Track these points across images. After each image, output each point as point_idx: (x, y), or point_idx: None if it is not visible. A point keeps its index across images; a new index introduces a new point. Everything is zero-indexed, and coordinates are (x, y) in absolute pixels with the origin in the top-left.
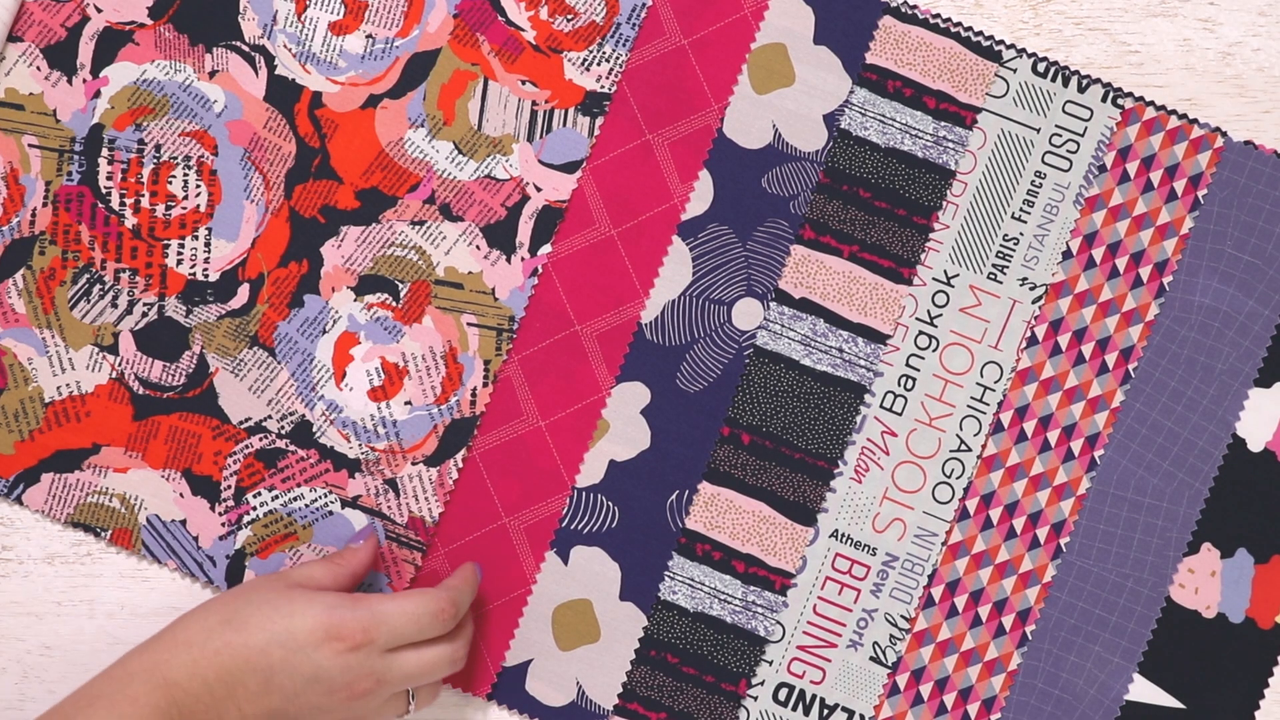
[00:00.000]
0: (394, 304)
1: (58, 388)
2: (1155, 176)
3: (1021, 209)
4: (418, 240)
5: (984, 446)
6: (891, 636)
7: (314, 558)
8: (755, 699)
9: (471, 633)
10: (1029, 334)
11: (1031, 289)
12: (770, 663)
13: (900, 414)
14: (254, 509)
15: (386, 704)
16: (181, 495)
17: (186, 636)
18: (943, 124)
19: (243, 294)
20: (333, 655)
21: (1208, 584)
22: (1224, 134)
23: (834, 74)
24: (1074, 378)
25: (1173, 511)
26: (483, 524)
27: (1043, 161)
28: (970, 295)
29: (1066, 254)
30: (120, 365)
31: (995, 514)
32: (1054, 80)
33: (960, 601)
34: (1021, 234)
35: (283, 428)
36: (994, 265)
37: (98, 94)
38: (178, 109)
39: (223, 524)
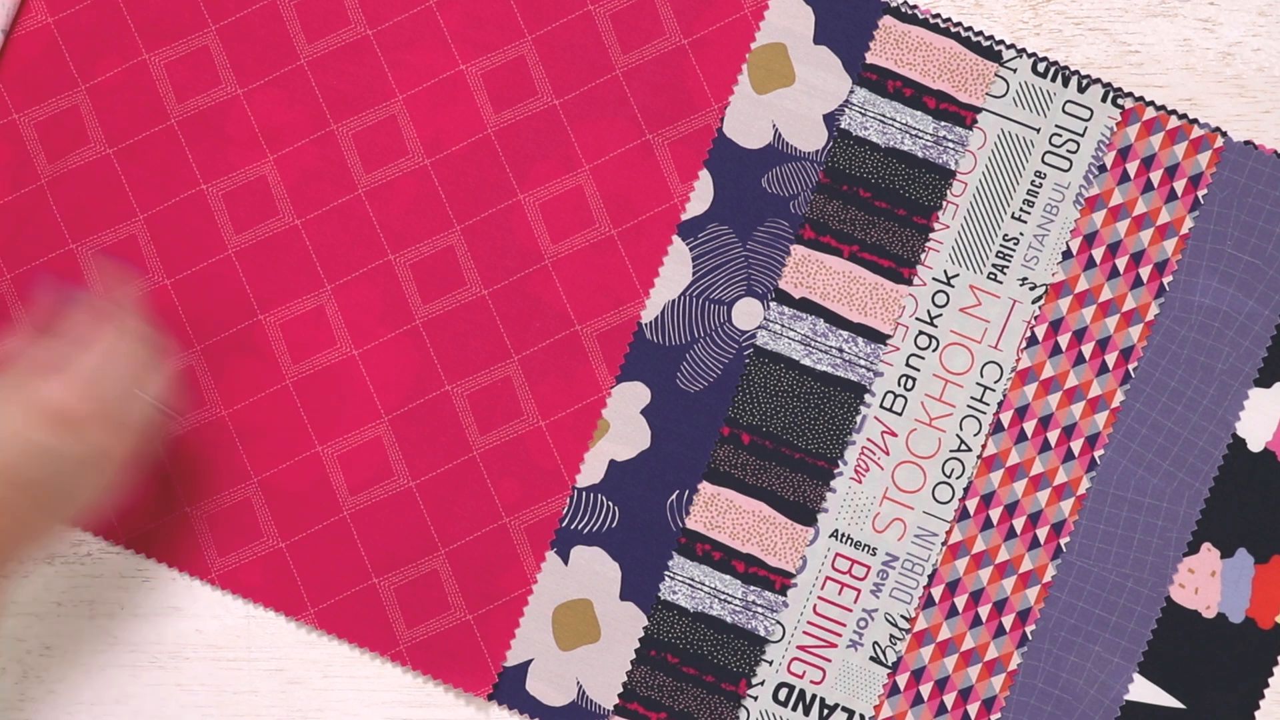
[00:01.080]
0: None
1: None
2: (1155, 176)
3: (1021, 209)
4: None
5: (984, 446)
6: (891, 636)
7: None
8: (755, 699)
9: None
10: (1029, 334)
11: (1031, 289)
12: (770, 662)
13: (900, 414)
14: None
15: (139, 429)
16: None
17: None
18: (943, 124)
19: None
20: (53, 433)
21: (1208, 584)
22: (1224, 134)
23: (834, 74)
24: (1074, 378)
25: (1173, 511)
26: (483, 524)
27: (1043, 161)
28: (970, 295)
29: (1066, 254)
30: None
31: (995, 514)
32: (1054, 80)
33: (960, 601)
34: (1021, 234)
35: None
36: (994, 265)
37: None
38: None
39: None
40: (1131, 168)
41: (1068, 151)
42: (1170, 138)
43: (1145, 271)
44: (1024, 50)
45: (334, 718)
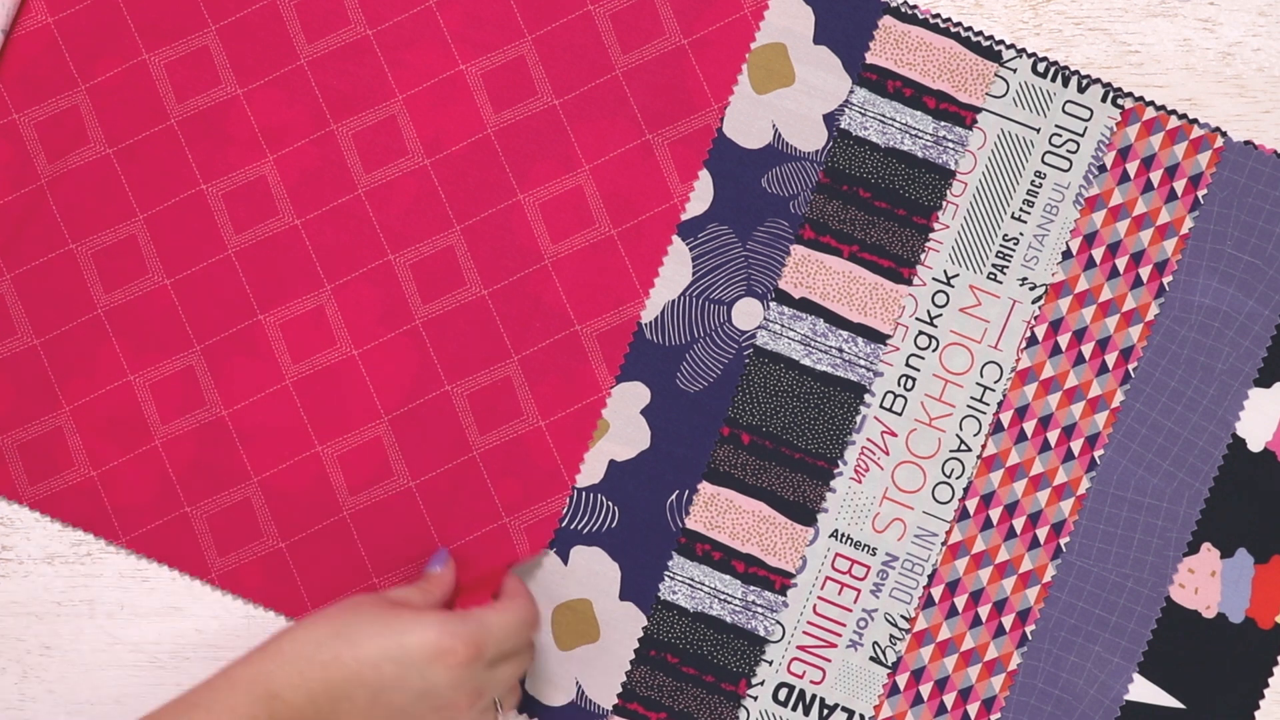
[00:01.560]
0: None
1: None
2: (1155, 176)
3: (1021, 209)
4: None
5: (984, 446)
6: (891, 636)
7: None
8: (755, 699)
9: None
10: (1029, 334)
11: (1031, 289)
12: (770, 662)
13: (900, 414)
14: None
15: (483, 714)
16: None
17: (294, 649)
18: (943, 124)
19: None
20: (444, 671)
21: (1208, 584)
22: (1224, 134)
23: (834, 74)
24: (1074, 378)
25: (1173, 511)
26: (483, 524)
27: (1043, 161)
28: (970, 295)
29: (1066, 254)
30: None
31: (995, 514)
32: (1054, 80)
33: (960, 601)
34: (1021, 234)
35: None
36: (994, 265)
37: None
38: None
39: None
40: (1131, 168)
41: (1068, 151)
42: (1170, 138)
43: (1145, 271)
44: (1024, 50)
45: None
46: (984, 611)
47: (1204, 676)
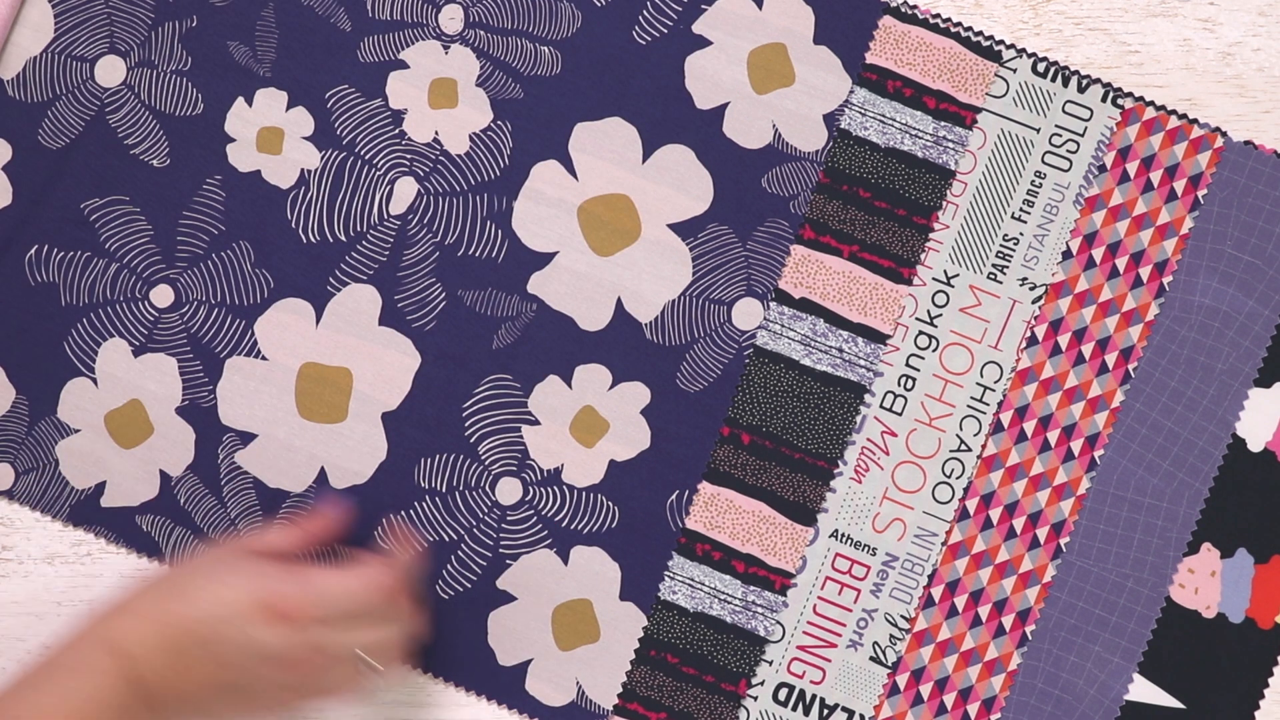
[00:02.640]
0: None
1: None
2: (1155, 176)
3: (1021, 209)
4: None
5: (984, 446)
6: (891, 636)
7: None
8: (755, 699)
9: (422, 612)
10: (1029, 334)
11: (1031, 289)
12: (770, 662)
13: (900, 414)
14: None
15: (342, 675)
16: None
17: (137, 605)
18: (943, 124)
19: None
20: (267, 628)
21: (1208, 584)
22: (1224, 134)
23: (834, 74)
24: (1074, 378)
25: (1173, 511)
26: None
27: (1043, 161)
28: (970, 295)
29: (1066, 254)
30: None
31: (995, 514)
32: (1054, 80)
33: (960, 601)
34: (1021, 234)
35: None
36: (994, 265)
37: None
38: None
39: None
40: (1131, 168)
41: (1068, 151)
42: (1170, 138)
43: (1145, 271)
44: (1024, 50)
45: (334, 718)
46: (984, 611)
47: (1204, 676)
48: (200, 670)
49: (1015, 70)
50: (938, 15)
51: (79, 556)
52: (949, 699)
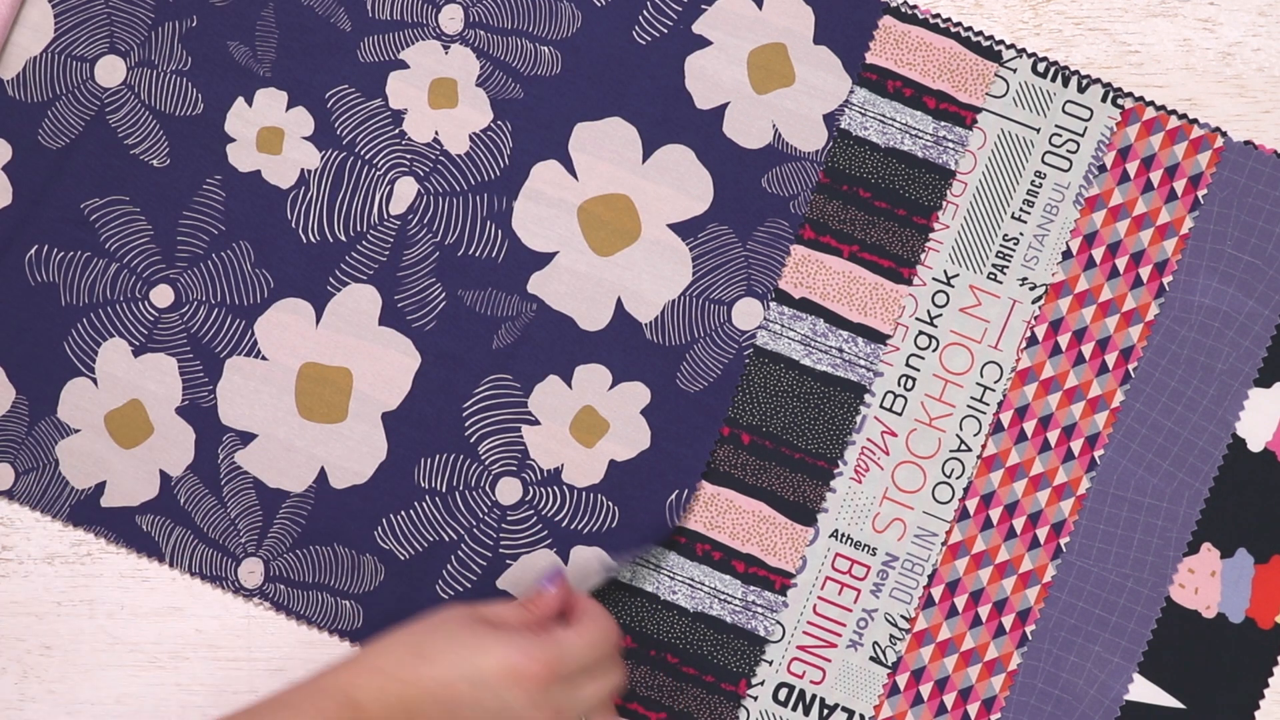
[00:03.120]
0: None
1: None
2: (1155, 176)
3: (1021, 209)
4: None
5: (984, 446)
6: (891, 636)
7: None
8: (755, 699)
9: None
10: (1029, 334)
11: (1031, 289)
12: (770, 662)
13: (900, 414)
14: None
15: None
16: None
17: (377, 662)
18: (943, 124)
19: None
20: (520, 692)
21: (1208, 584)
22: (1224, 134)
23: (834, 74)
24: (1074, 378)
25: (1173, 511)
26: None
27: (1043, 161)
28: (970, 295)
29: (1066, 254)
30: None
31: (995, 514)
32: (1054, 80)
33: (960, 601)
34: (1021, 234)
35: None
36: (994, 265)
37: None
38: None
39: None
40: (1131, 168)
41: (1068, 151)
42: (1170, 138)
43: (1145, 271)
44: (1024, 50)
45: None
46: (984, 611)
47: (1204, 676)
48: None
49: (1015, 70)
50: (937, 15)
51: (79, 556)
52: (949, 699)
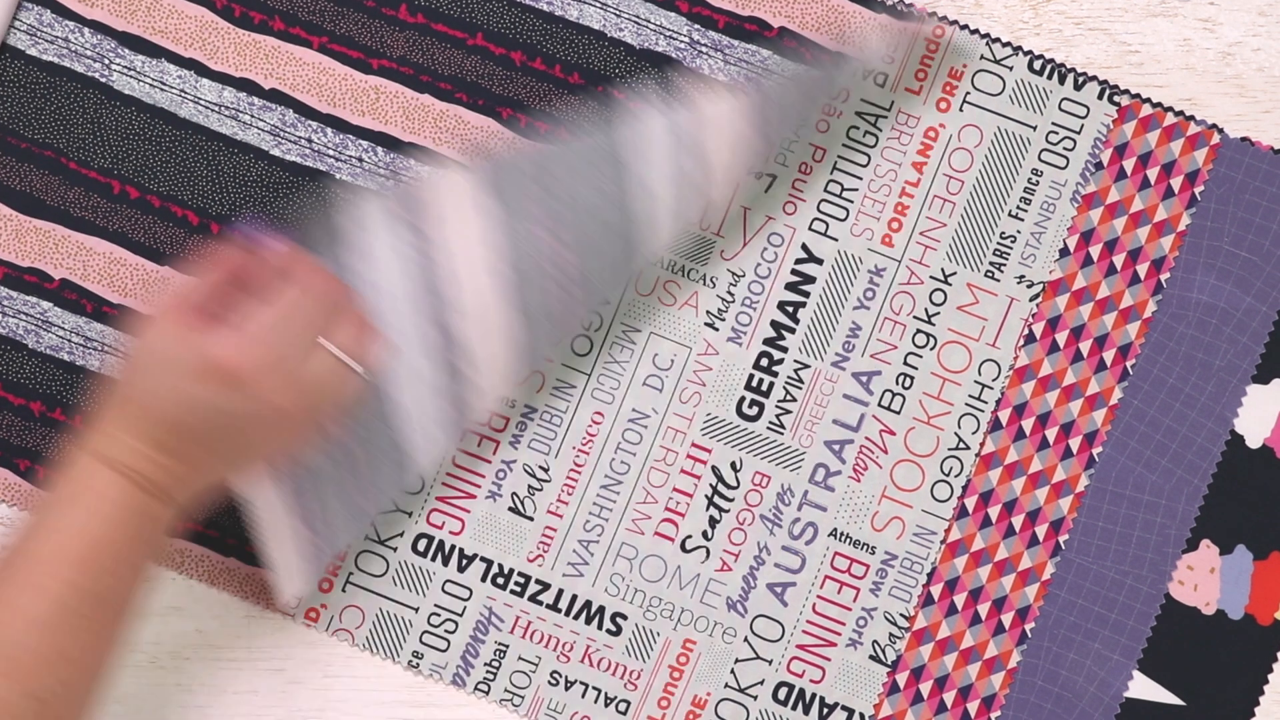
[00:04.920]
0: None
1: None
2: (1152, 174)
3: (1018, 206)
4: None
5: (982, 444)
6: (891, 635)
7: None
8: (755, 698)
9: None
10: (1027, 331)
11: (1029, 286)
12: (769, 662)
13: (899, 412)
14: None
15: (329, 387)
16: None
17: (108, 417)
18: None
19: None
20: (229, 393)
21: (1207, 581)
22: (1220, 131)
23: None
24: (1072, 375)
25: (1171, 508)
26: None
27: (1039, 159)
28: (968, 293)
29: (1064, 251)
30: None
31: (994, 512)
32: (1050, 77)
33: (959, 599)
34: (1019, 231)
35: None
36: (991, 263)
37: None
38: None
39: None
40: (1128, 165)
41: (1064, 149)
42: (1167, 135)
43: (1142, 269)
44: (1020, 48)
45: (334, 718)
46: (983, 609)
47: (1204, 673)
48: (194, 450)
49: (1012, 69)
50: (934, 13)
51: None
52: (949, 697)
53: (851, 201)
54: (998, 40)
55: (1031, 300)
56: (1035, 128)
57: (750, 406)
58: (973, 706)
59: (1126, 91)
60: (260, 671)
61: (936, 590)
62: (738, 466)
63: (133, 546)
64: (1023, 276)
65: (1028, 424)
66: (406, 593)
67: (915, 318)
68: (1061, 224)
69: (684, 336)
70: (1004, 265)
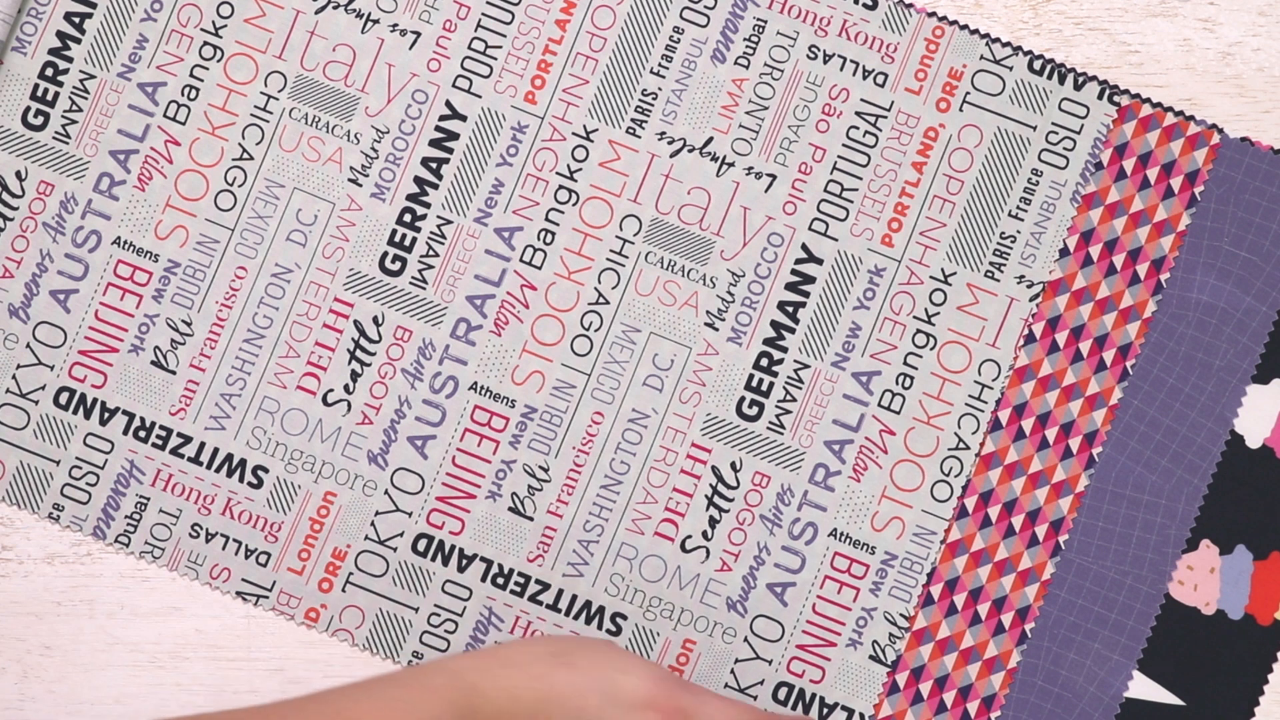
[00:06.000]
0: None
1: None
2: (1152, 174)
3: (1018, 206)
4: None
5: (982, 444)
6: (891, 635)
7: None
8: (755, 699)
9: None
10: (1026, 331)
11: (1029, 286)
12: (769, 662)
13: (898, 412)
14: None
15: None
16: None
17: (509, 655)
18: None
19: None
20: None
21: (1207, 581)
22: (1220, 130)
23: None
24: (1072, 375)
25: (1171, 508)
26: None
27: (1039, 159)
28: (968, 293)
29: (1064, 251)
30: None
31: (994, 512)
32: (1050, 77)
33: (959, 599)
34: (1018, 231)
35: None
36: (991, 263)
37: None
38: None
39: None
40: (1128, 165)
41: (1064, 149)
42: (1167, 135)
43: (1142, 269)
44: (1020, 48)
45: None
46: (983, 609)
47: (1203, 673)
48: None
49: (1012, 69)
50: (934, 14)
51: (79, 556)
52: (949, 697)
53: (851, 201)
54: (998, 40)
55: (1031, 300)
56: (1035, 128)
57: (750, 406)
58: (973, 706)
59: (1126, 91)
60: (260, 671)
61: (936, 590)
62: (738, 466)
63: None
64: (1023, 276)
65: (1028, 424)
66: (406, 593)
67: (915, 318)
68: (1061, 224)
69: (684, 336)
70: (1004, 265)
